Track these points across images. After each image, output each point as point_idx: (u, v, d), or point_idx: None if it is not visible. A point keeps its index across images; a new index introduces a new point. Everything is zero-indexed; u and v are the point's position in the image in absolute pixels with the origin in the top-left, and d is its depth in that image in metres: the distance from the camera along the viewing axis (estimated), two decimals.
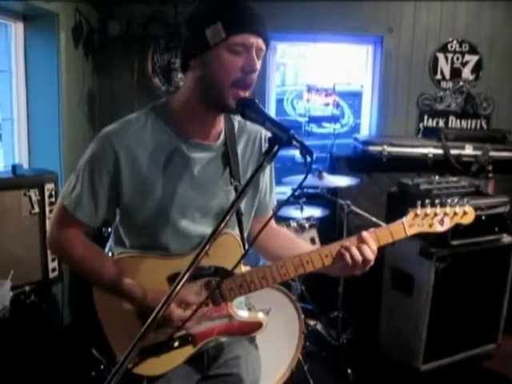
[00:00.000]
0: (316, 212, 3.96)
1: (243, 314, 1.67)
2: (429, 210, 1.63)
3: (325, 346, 3.81)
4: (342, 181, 3.91)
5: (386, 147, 4.41)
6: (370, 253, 1.54)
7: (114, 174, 1.50)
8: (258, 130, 1.71)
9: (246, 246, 1.65)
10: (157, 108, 1.57)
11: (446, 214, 1.65)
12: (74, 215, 1.55)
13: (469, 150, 4.49)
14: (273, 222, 1.86)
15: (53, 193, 3.28)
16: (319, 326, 3.91)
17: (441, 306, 3.56)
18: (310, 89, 4.79)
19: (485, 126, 4.96)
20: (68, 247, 1.61)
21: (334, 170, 4.58)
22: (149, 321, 1.13)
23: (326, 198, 4.23)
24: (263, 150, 1.70)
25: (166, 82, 4.57)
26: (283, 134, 1.30)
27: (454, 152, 4.47)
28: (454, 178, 3.86)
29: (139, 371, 1.56)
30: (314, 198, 4.26)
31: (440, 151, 4.48)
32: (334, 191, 4.30)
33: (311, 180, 3.79)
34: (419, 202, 1.61)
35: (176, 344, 1.58)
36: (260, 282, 1.56)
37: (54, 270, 3.32)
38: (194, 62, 1.47)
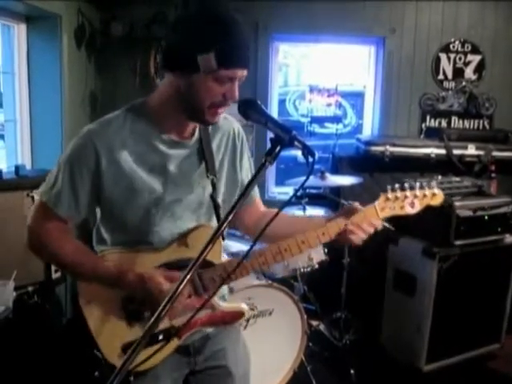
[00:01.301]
0: (319, 212, 3.95)
1: (224, 304, 1.72)
2: (399, 193, 1.68)
3: (327, 347, 3.81)
4: (344, 181, 3.91)
5: (388, 147, 4.40)
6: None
7: (94, 172, 1.53)
8: (230, 126, 1.77)
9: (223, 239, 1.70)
10: (135, 107, 1.61)
11: (415, 197, 1.70)
12: (54, 211, 1.57)
13: (471, 150, 4.48)
14: (262, 206, 1.92)
15: None
16: (322, 327, 3.91)
17: (444, 306, 3.55)
18: (312, 89, 4.80)
19: (487, 126, 4.96)
20: (48, 240, 1.60)
21: (336, 170, 4.57)
22: (154, 316, 1.13)
23: (328, 198, 4.23)
24: (237, 144, 1.77)
25: None
26: (285, 134, 1.32)
27: (456, 152, 4.46)
28: (457, 178, 3.85)
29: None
30: (316, 199, 4.26)
31: (442, 151, 4.47)
32: (337, 191, 4.30)
33: (314, 180, 3.79)
34: (389, 187, 1.68)
35: (161, 337, 1.59)
36: (239, 271, 1.59)
37: (56, 270, 3.33)
38: (179, 73, 1.49)
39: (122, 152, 1.54)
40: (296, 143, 1.31)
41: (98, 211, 1.64)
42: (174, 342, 1.63)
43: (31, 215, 1.62)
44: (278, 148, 1.31)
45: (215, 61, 1.41)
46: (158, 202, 1.58)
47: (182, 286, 1.16)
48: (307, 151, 1.29)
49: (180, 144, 1.62)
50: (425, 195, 1.71)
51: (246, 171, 1.83)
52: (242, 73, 1.48)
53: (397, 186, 1.68)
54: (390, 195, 1.68)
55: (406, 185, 1.69)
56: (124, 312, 1.61)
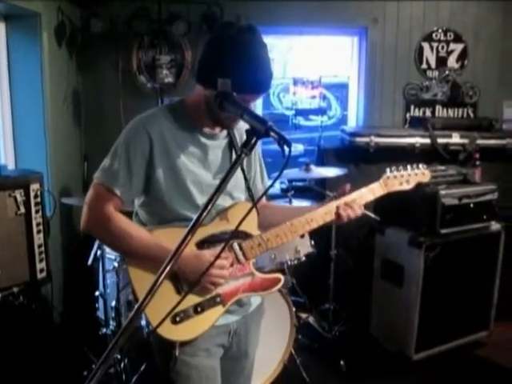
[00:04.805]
0: (305, 205, 3.95)
1: (262, 273, 1.92)
2: (396, 173, 2.07)
3: (317, 339, 3.83)
4: (329, 172, 3.91)
5: (373, 138, 4.41)
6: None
7: (148, 154, 1.72)
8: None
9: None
10: (174, 105, 1.84)
11: (409, 176, 2.09)
12: (110, 189, 1.71)
13: (456, 138, 4.50)
14: (263, 199, 2.15)
15: (38, 193, 3.25)
16: (311, 319, 3.92)
17: (431, 294, 3.57)
18: (296, 82, 4.78)
19: (471, 115, 4.98)
20: (105, 221, 1.72)
21: (322, 162, 4.57)
22: (142, 299, 1.16)
23: (314, 190, 4.23)
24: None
25: (152, 79, 4.54)
26: (261, 125, 1.37)
27: (441, 141, 4.48)
28: (442, 167, 3.87)
29: (171, 337, 1.72)
30: (302, 191, 4.26)
31: (427, 140, 4.48)
32: (323, 183, 4.30)
33: (299, 173, 3.80)
34: (388, 169, 2.06)
35: (207, 305, 1.77)
36: (275, 239, 1.83)
37: (42, 270, 3.29)
38: (203, 87, 1.71)
39: (170, 138, 1.74)
40: (272, 134, 1.35)
41: (146, 193, 1.79)
42: (219, 310, 1.80)
43: (87, 198, 1.76)
44: (254, 139, 1.35)
45: (231, 87, 1.58)
46: (197, 183, 1.78)
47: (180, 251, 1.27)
48: (283, 141, 1.33)
49: (215, 136, 1.84)
50: (416, 174, 2.11)
51: (259, 167, 2.11)
52: (255, 96, 1.71)
53: (394, 168, 2.07)
54: (390, 175, 2.05)
55: (401, 167, 2.08)
56: (172, 282, 1.74)
